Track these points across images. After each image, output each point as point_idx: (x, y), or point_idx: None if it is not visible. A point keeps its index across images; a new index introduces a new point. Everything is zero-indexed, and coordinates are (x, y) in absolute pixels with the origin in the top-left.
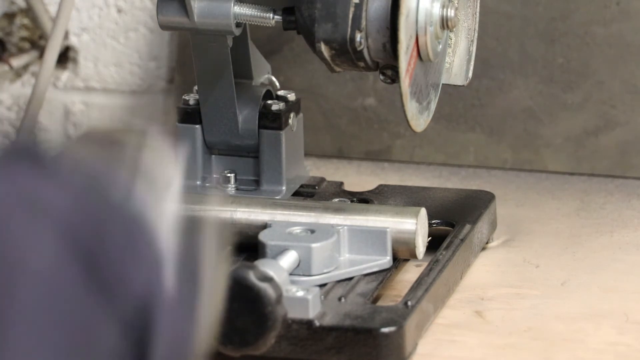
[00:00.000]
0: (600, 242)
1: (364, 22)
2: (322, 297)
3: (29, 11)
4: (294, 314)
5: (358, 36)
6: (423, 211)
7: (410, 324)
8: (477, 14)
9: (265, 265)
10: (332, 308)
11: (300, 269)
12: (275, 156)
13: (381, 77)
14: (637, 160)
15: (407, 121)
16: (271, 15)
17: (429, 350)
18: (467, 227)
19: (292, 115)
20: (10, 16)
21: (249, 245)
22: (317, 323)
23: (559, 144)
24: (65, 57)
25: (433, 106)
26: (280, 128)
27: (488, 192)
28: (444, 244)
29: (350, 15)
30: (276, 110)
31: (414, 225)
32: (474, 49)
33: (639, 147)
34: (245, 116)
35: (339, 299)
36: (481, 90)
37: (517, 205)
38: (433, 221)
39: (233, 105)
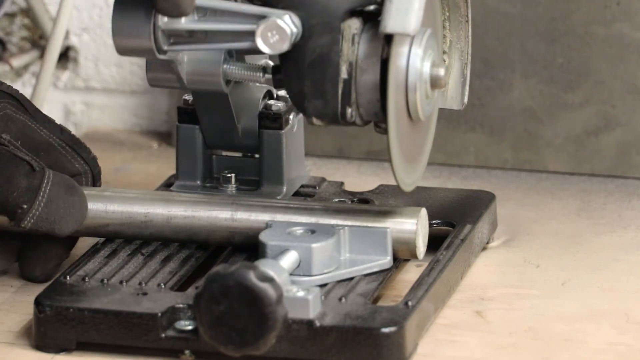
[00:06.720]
0: (600, 242)
1: (354, 96)
2: (323, 297)
3: (29, 11)
4: (295, 314)
5: (349, 111)
6: (423, 211)
7: (410, 324)
8: (470, 36)
9: (265, 266)
10: (333, 308)
11: (301, 269)
12: (275, 156)
13: (376, 129)
14: (637, 160)
15: (397, 182)
16: (261, 74)
17: (430, 350)
18: (468, 227)
19: (292, 115)
20: (10, 16)
21: (249, 246)
22: (317, 323)
23: (559, 144)
24: (65, 57)
25: (424, 164)
26: (280, 128)
27: (488, 192)
28: (445, 244)
29: (340, 92)
30: (277, 110)
31: (415, 226)
32: (468, 72)
33: (639, 147)
34: (246, 116)
35: (340, 299)
36: (481, 90)
37: (517, 205)
38: (433, 221)
39: (229, 110)
